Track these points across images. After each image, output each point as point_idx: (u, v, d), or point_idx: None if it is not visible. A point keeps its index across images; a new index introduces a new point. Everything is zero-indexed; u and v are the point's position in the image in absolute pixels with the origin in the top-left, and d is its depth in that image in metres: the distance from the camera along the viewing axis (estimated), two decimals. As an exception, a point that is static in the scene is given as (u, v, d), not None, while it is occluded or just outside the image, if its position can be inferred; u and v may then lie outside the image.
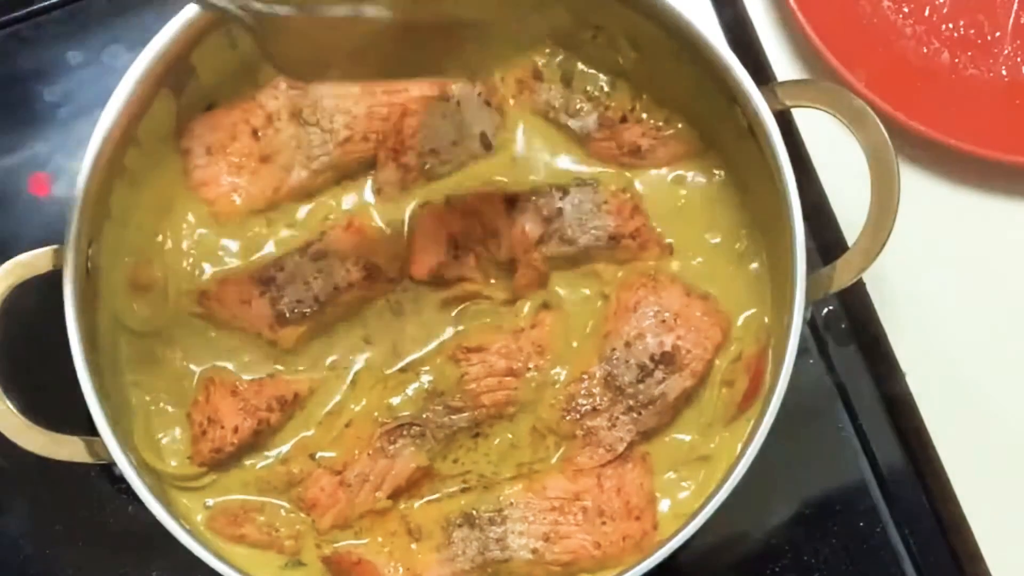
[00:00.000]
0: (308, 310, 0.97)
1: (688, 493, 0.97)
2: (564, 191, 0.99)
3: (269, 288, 0.97)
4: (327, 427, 0.98)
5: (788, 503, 1.07)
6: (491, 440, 0.98)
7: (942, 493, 1.05)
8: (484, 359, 0.98)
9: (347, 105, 0.98)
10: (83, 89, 1.12)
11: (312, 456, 0.97)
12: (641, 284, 0.98)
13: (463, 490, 0.97)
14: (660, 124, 1.00)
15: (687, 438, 0.98)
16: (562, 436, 0.97)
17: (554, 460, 0.97)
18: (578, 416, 0.97)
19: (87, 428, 0.91)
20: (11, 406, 0.91)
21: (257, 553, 0.96)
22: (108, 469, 0.91)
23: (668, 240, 1.00)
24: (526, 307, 0.99)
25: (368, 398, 0.98)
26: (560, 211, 0.98)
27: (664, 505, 0.97)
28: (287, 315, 0.97)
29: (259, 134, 0.99)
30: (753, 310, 0.99)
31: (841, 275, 0.93)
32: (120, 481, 0.90)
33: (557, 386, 0.98)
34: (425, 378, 0.98)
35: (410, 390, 0.98)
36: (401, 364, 0.99)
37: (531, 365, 0.98)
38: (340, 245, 0.97)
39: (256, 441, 0.97)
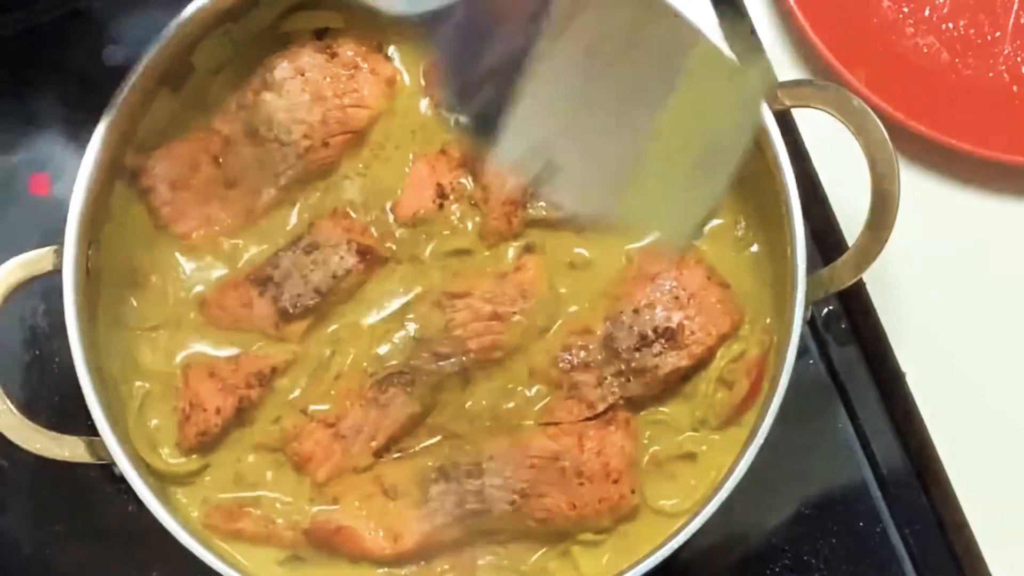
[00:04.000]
0: (311, 302, 0.97)
1: (681, 492, 0.96)
2: None
3: (267, 287, 0.97)
4: (316, 380, 0.97)
5: (788, 503, 1.07)
6: (478, 389, 0.97)
7: (942, 493, 1.05)
8: (469, 304, 0.97)
9: (301, 115, 0.97)
10: (83, 89, 1.12)
11: (304, 411, 0.97)
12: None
13: (438, 443, 0.96)
14: None
15: (682, 436, 0.97)
16: (548, 383, 0.97)
17: (536, 409, 0.97)
18: (568, 367, 0.97)
19: (87, 428, 0.91)
20: (11, 406, 0.91)
21: (255, 550, 0.96)
22: (108, 469, 0.91)
23: None
24: (510, 251, 0.99)
25: (356, 349, 0.98)
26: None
27: (663, 505, 0.96)
28: (290, 311, 0.97)
29: (220, 160, 0.99)
30: (752, 313, 0.99)
31: (841, 275, 0.93)
32: (120, 481, 0.90)
33: (551, 334, 0.97)
34: (411, 326, 0.98)
35: (396, 338, 0.97)
36: (384, 314, 0.98)
37: (516, 309, 0.97)
38: (329, 234, 0.97)
39: (240, 418, 0.97)
